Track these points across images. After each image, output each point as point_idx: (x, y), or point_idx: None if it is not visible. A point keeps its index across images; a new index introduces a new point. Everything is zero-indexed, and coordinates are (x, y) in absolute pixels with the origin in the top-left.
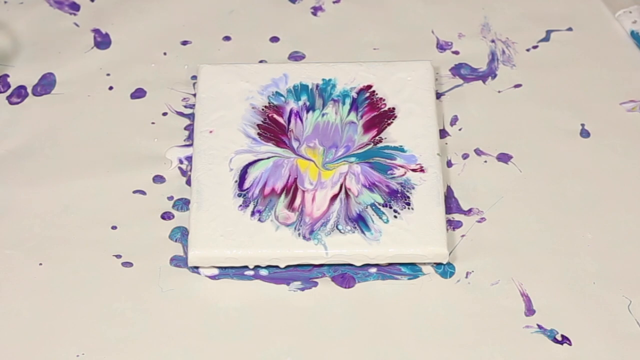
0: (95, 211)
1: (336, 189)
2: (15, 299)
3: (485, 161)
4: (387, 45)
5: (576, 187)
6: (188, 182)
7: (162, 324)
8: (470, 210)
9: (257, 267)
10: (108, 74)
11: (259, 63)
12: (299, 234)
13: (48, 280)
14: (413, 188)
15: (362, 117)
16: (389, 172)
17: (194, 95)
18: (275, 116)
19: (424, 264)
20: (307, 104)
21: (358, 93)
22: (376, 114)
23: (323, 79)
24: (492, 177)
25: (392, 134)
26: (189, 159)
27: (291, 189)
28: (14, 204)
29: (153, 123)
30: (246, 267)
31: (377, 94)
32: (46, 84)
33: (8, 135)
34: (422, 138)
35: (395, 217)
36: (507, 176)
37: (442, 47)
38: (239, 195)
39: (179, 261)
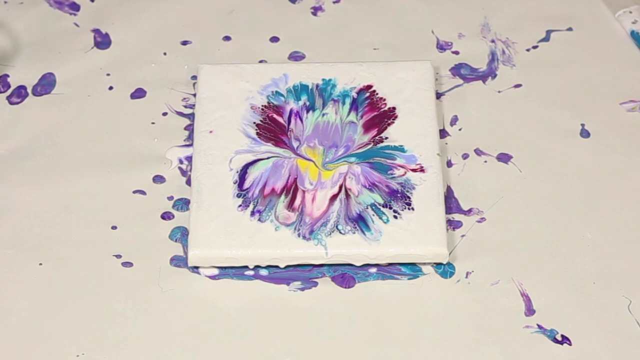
0: (95, 211)
1: (336, 189)
2: (15, 299)
3: (485, 161)
4: (387, 45)
5: (576, 187)
6: (188, 182)
7: (162, 324)
8: (470, 210)
9: (257, 267)
10: (108, 74)
11: (259, 63)
12: (299, 234)
13: (48, 280)
14: (413, 188)
15: (362, 117)
16: (389, 172)
17: (194, 95)
18: (275, 116)
19: (424, 264)
20: (307, 104)
21: (358, 93)
22: (376, 114)
23: (323, 79)
24: (492, 177)
25: (392, 134)
26: (189, 159)
27: (291, 189)
28: (14, 204)
29: (153, 123)
30: (246, 267)
31: (377, 94)
32: (46, 84)
33: (8, 135)
34: (422, 138)
35: (395, 217)
36: (507, 176)
37: (442, 47)
38: (239, 196)
39: (179, 261)
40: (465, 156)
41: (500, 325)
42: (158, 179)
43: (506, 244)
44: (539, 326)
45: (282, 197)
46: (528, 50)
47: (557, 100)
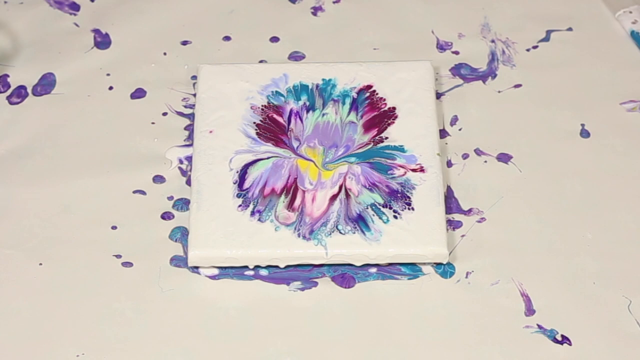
0: (95, 211)
1: (336, 189)
2: (15, 299)
3: (485, 161)
4: (387, 45)
5: (576, 187)
6: (188, 182)
7: (162, 324)
8: (470, 210)
9: (257, 267)
10: (108, 74)
11: (259, 63)
12: (299, 234)
13: (48, 280)
14: (413, 188)
15: (362, 117)
16: (389, 172)
17: (194, 95)
18: (275, 116)
19: (424, 264)
20: (307, 104)
21: (358, 93)
22: (376, 114)
23: (323, 79)
24: (492, 177)
25: (392, 134)
26: (189, 159)
27: (291, 189)
28: (14, 204)
29: (153, 123)
30: (246, 267)
31: (377, 94)
32: (46, 84)
33: (8, 135)
34: (422, 138)
35: (396, 217)
36: (507, 176)
37: (442, 47)
38: (239, 196)
39: (179, 261)
40: (465, 156)
41: (500, 325)
42: (158, 179)
43: (506, 244)
44: (539, 326)
45: (282, 197)
46: (528, 50)
47: (557, 100)
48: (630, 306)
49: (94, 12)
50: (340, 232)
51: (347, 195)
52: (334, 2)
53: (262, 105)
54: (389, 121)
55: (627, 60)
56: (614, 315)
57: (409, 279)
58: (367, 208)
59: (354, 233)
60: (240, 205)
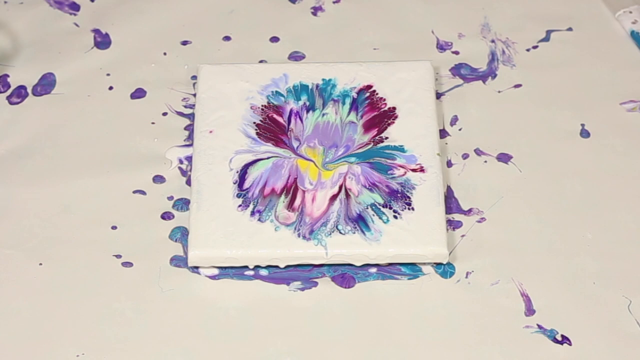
0: (95, 211)
1: (336, 189)
2: (15, 299)
3: (485, 161)
4: (387, 45)
5: (576, 187)
6: (188, 182)
7: (162, 324)
8: (470, 210)
9: (257, 267)
10: (108, 74)
11: (259, 63)
12: (299, 234)
13: (48, 280)
14: (413, 188)
15: (362, 117)
16: (389, 172)
17: (194, 95)
18: (275, 116)
19: (424, 264)
20: (307, 104)
21: (358, 93)
22: (376, 113)
23: (323, 79)
24: (492, 177)
25: (392, 134)
26: (189, 159)
27: (291, 189)
28: (14, 204)
29: (153, 123)
30: (246, 267)
31: (377, 94)
32: (46, 84)
33: (8, 135)
34: (422, 138)
35: (396, 217)
36: (507, 176)
37: (442, 47)
38: (239, 196)
39: (179, 261)
40: (465, 156)
41: (500, 325)
42: (158, 179)
43: (506, 244)
44: (539, 326)
45: (282, 197)
46: (528, 50)
47: (557, 100)
48: (630, 306)
49: (94, 12)
50: (340, 232)
51: (347, 195)
52: (334, 2)
53: (262, 105)
54: (389, 121)
55: (627, 60)
56: (614, 315)
57: (409, 279)
58: (367, 208)
59: (354, 233)
60: (240, 205)
